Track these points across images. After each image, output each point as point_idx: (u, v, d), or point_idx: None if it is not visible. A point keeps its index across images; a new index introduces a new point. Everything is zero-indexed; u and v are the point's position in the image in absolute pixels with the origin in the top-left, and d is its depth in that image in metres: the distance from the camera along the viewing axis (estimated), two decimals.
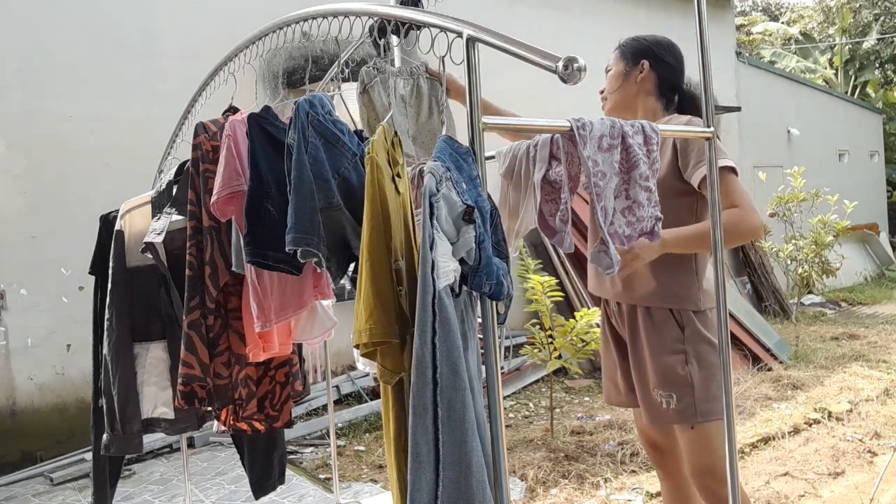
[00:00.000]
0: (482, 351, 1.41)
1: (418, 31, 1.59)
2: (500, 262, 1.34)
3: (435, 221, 1.27)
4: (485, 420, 1.38)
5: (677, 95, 2.16)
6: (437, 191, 1.28)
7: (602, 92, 2.23)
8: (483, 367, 1.44)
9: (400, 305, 1.39)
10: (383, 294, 1.34)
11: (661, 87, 2.14)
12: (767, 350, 6.36)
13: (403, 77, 1.84)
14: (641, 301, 2.06)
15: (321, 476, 4.09)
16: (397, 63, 2.33)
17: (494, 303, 1.40)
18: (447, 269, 1.27)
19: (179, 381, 2.10)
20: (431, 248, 1.26)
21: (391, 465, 1.46)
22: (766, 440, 4.22)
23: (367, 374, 5.45)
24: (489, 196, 1.48)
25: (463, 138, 1.43)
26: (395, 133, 1.70)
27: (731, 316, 6.23)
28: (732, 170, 1.93)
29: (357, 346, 1.36)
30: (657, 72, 2.13)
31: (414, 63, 1.86)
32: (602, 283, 2.17)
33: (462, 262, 1.32)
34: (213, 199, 1.91)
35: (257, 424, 2.32)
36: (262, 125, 1.86)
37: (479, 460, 1.27)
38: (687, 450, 2.05)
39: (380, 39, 1.75)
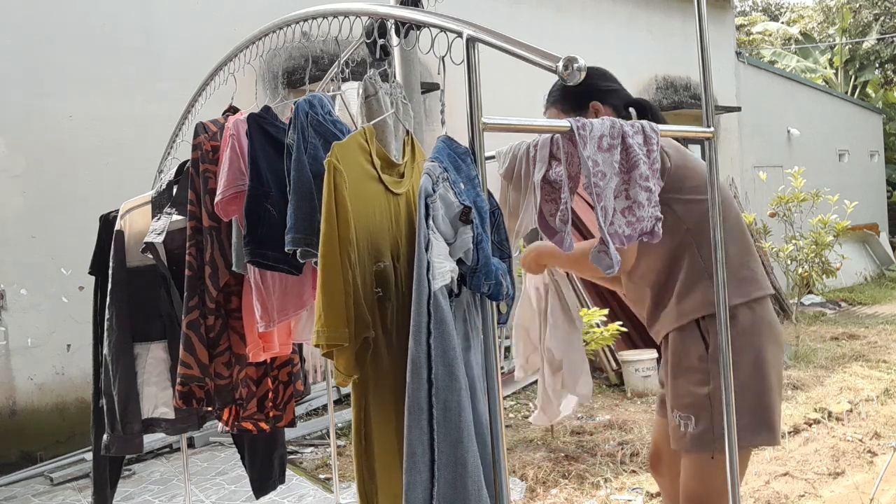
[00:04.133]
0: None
1: (418, 32, 1.59)
2: (500, 262, 1.34)
3: (431, 222, 1.27)
4: (486, 420, 1.37)
5: (633, 106, 2.05)
6: (433, 191, 1.28)
7: None
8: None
9: (361, 308, 1.39)
10: (333, 298, 1.34)
11: (619, 112, 2.03)
12: None
13: (388, 94, 1.84)
14: (669, 327, 1.95)
15: (321, 476, 4.09)
16: (398, 65, 2.33)
17: (497, 303, 1.40)
18: (443, 270, 1.27)
19: (178, 381, 2.10)
20: (427, 249, 1.26)
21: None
22: None
23: None
24: (491, 195, 1.48)
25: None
26: (408, 132, 1.70)
27: None
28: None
29: (317, 346, 1.38)
30: (608, 102, 2.03)
31: (392, 83, 1.85)
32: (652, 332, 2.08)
33: (461, 262, 1.31)
34: (218, 198, 1.90)
35: (262, 424, 2.32)
36: (261, 125, 1.86)
37: (475, 461, 1.27)
38: (687, 477, 1.93)
39: (379, 39, 1.74)
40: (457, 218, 1.29)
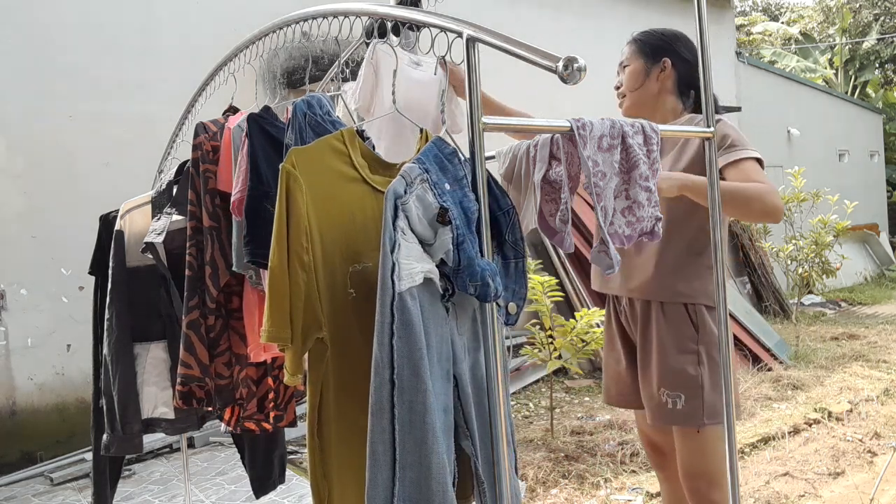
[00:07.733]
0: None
1: (417, 32, 1.58)
2: (488, 263, 1.32)
3: (399, 223, 1.27)
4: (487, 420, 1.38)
5: (694, 92, 2.12)
6: (405, 193, 1.28)
7: (618, 88, 2.20)
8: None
9: (313, 310, 1.40)
10: (277, 300, 1.37)
11: (681, 85, 2.11)
12: (767, 350, 6.36)
13: (415, 64, 1.81)
14: (656, 296, 2.04)
15: None
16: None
17: (504, 303, 1.40)
18: (412, 272, 1.26)
19: (178, 381, 2.10)
20: (392, 251, 1.26)
21: None
22: (766, 440, 4.22)
23: None
24: (506, 194, 1.47)
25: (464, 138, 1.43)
26: (422, 131, 1.69)
27: (731, 316, 6.23)
28: (759, 160, 1.94)
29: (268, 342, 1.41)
30: (678, 70, 2.10)
31: (423, 54, 1.83)
32: (610, 280, 2.15)
33: (444, 263, 1.31)
34: (235, 196, 1.90)
35: (265, 424, 2.32)
36: (261, 125, 1.86)
37: (440, 461, 1.27)
38: (683, 452, 2.03)
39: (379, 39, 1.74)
40: (434, 219, 1.29)
